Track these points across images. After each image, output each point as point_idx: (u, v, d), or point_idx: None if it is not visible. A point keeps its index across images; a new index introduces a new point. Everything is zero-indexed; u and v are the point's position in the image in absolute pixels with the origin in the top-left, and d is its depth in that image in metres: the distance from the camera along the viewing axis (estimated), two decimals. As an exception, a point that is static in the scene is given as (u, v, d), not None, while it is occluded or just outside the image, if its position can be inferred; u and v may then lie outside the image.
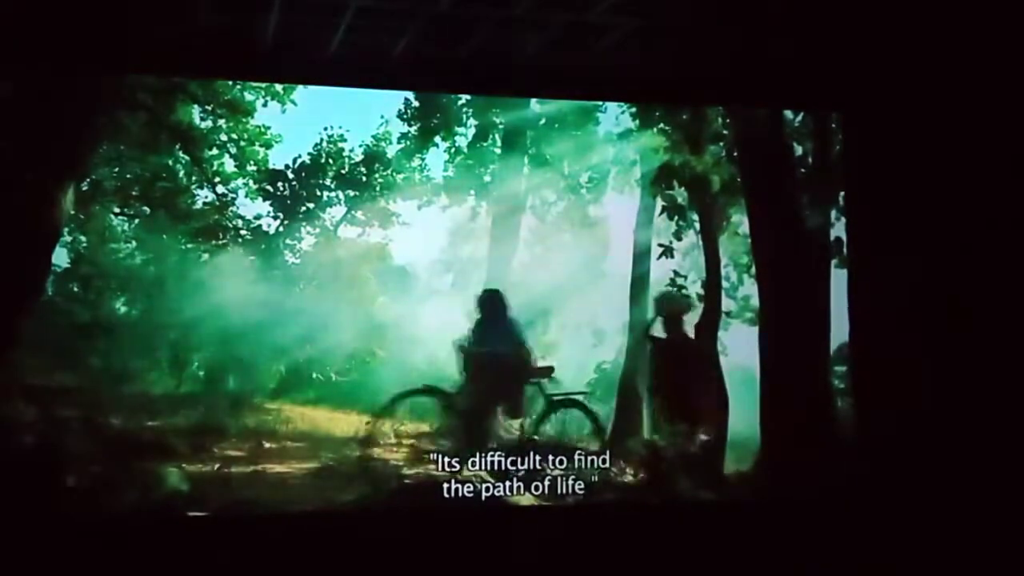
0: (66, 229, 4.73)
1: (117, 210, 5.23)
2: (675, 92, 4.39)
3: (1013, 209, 3.78)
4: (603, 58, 3.89)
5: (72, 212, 4.67)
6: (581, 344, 5.85)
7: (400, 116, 5.82)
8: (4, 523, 3.23)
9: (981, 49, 3.76)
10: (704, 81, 4.13)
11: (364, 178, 5.66)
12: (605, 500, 4.07)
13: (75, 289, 5.01)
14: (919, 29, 3.80)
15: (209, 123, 5.29)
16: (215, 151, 5.34)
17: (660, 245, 5.36)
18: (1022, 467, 3.60)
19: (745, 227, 5.18)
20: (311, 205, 5.50)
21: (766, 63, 3.98)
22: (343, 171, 5.64)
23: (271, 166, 5.49)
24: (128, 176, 5.19)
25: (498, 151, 6.12)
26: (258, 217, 5.37)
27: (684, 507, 4.20)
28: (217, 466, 4.00)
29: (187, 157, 5.21)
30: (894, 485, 3.91)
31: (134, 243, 5.29)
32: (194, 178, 5.31)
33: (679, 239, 5.41)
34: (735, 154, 5.03)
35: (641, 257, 6.19)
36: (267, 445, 4.28)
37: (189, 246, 5.13)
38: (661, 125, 5.30)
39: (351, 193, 5.65)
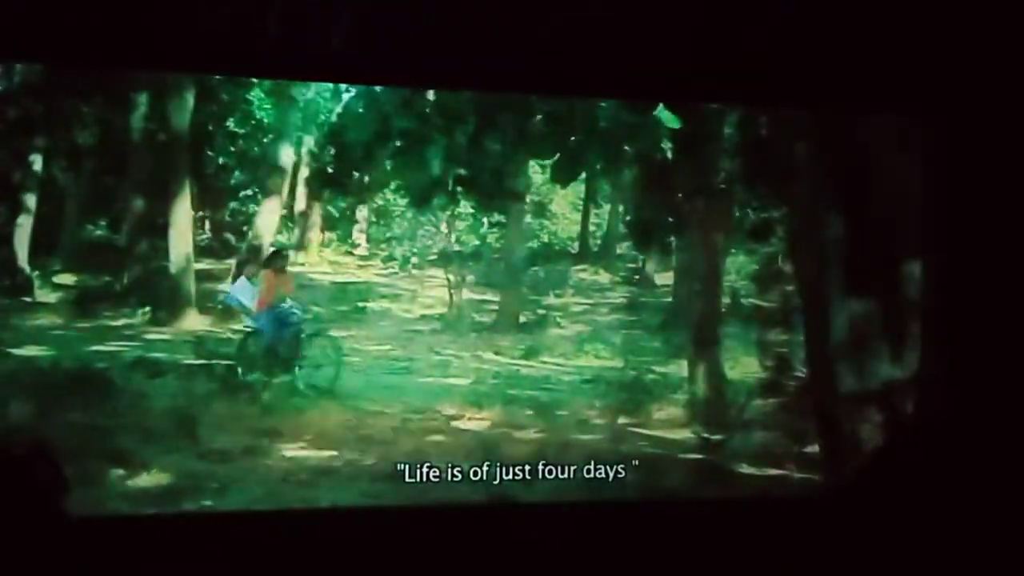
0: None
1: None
2: (673, 90, 4.31)
3: (1013, 209, 3.80)
4: (601, 55, 3.83)
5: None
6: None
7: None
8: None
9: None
10: (701, 79, 4.07)
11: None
12: (604, 499, 4.03)
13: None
14: (917, 25, 3.78)
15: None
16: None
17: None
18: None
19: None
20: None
21: (763, 61, 3.93)
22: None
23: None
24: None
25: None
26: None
27: (684, 504, 4.17)
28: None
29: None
30: (895, 481, 3.90)
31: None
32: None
33: (679, 237, 5.38)
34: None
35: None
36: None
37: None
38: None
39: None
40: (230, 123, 5.16)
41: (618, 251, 5.79)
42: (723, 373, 4.80)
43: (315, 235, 5.47)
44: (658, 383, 4.76)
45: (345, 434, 4.16)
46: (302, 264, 5.34)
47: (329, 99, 5.01)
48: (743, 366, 4.88)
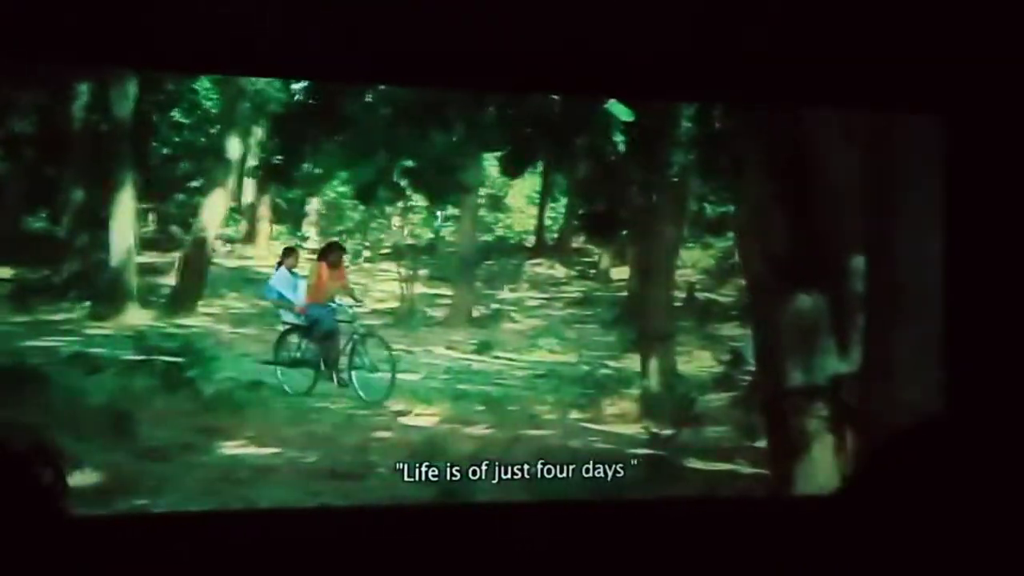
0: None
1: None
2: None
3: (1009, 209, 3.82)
4: (587, 52, 3.78)
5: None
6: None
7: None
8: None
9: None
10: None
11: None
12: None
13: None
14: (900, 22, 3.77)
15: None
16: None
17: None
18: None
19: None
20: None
21: (748, 59, 3.90)
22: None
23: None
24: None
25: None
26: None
27: (681, 504, 4.15)
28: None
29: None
30: (897, 480, 3.91)
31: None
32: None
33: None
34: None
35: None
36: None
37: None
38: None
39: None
40: (175, 113, 5.03)
41: (574, 245, 5.74)
42: (675, 368, 4.79)
43: (264, 227, 5.35)
44: (611, 378, 4.73)
45: (287, 431, 4.09)
46: (250, 257, 5.23)
47: (279, 89, 4.90)
48: (697, 361, 4.87)
